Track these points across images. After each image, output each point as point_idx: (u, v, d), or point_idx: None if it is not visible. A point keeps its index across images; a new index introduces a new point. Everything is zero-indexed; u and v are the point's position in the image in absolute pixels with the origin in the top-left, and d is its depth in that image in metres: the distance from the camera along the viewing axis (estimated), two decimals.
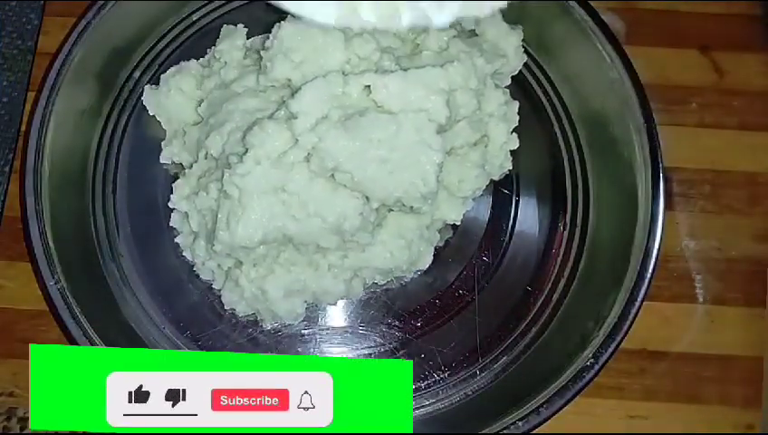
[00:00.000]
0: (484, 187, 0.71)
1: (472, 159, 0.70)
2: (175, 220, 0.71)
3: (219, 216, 0.65)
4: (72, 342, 0.62)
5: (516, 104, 0.73)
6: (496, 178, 0.73)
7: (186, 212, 0.69)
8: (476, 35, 0.74)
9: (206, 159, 0.69)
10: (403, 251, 0.68)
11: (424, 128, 0.63)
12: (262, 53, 0.68)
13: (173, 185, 0.70)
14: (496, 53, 0.72)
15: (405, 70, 0.64)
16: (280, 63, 0.66)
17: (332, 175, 0.63)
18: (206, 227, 0.68)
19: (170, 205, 0.70)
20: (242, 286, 0.68)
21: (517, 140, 0.72)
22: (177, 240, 0.71)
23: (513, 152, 0.73)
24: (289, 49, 0.66)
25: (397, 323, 0.71)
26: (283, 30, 0.66)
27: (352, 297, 0.71)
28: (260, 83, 0.69)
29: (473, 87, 0.67)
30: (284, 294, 0.68)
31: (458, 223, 0.71)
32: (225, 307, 0.70)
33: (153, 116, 0.74)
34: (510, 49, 0.73)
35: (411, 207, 0.65)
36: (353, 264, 0.68)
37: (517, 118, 0.73)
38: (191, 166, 0.70)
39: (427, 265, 0.71)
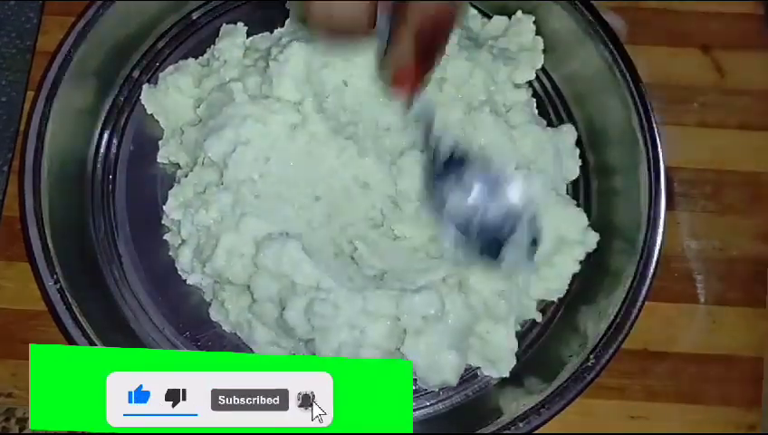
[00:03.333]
0: None
1: None
2: (167, 219, 0.70)
3: (222, 242, 0.64)
4: (72, 342, 0.62)
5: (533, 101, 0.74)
6: None
7: (179, 220, 0.68)
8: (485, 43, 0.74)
9: (203, 164, 0.69)
10: None
11: None
12: (270, 62, 0.68)
13: (169, 192, 0.70)
14: (508, 56, 0.73)
15: None
16: (286, 85, 0.67)
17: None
18: (197, 242, 0.67)
19: (165, 213, 0.69)
20: (227, 310, 0.67)
21: None
22: (165, 237, 0.71)
23: None
24: (297, 72, 0.67)
25: None
26: (294, 51, 0.67)
27: None
28: (262, 91, 0.69)
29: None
30: (271, 341, 0.66)
31: None
32: (213, 319, 0.69)
33: (152, 115, 0.74)
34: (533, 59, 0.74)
35: None
36: None
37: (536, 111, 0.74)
38: (190, 168, 0.70)
39: None
